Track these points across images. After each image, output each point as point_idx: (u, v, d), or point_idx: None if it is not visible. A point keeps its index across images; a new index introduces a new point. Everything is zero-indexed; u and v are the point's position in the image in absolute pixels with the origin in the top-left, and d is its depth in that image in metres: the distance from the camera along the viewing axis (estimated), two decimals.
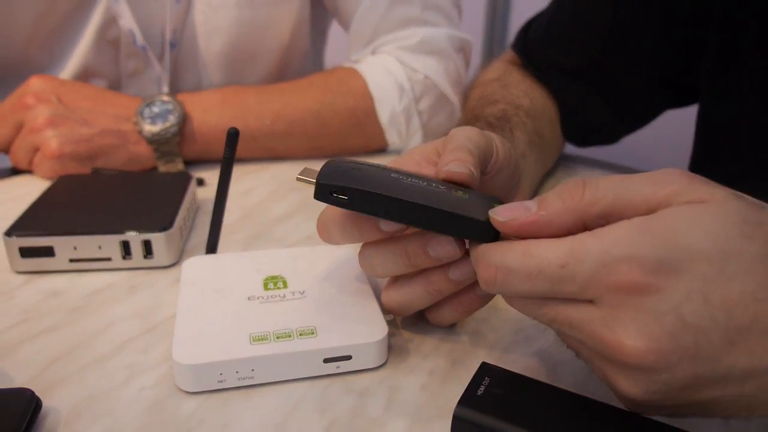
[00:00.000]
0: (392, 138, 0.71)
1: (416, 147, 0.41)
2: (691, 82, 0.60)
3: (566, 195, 0.30)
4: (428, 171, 0.37)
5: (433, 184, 0.34)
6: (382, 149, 0.73)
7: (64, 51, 0.69)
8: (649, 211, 0.28)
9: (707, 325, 0.26)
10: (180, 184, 0.55)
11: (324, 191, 0.33)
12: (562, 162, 0.71)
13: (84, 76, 0.70)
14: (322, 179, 0.33)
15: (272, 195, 0.62)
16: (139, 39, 0.69)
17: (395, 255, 0.36)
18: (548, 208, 0.30)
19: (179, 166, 0.65)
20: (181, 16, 0.70)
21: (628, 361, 0.27)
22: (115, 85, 0.73)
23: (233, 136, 0.43)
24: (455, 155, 0.36)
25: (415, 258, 0.35)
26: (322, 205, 0.35)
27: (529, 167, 0.55)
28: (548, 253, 0.28)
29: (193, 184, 0.56)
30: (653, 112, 0.66)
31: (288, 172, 0.67)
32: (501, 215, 0.31)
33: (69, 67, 0.70)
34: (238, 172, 0.67)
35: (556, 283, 0.28)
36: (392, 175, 0.34)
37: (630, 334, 0.27)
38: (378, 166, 0.35)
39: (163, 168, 0.64)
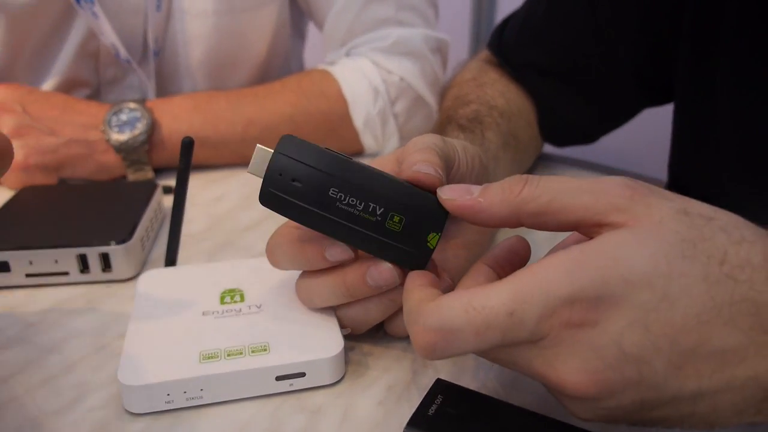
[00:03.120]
0: (368, 142, 0.70)
1: (376, 159, 0.40)
2: (666, 80, 0.58)
3: (506, 187, 0.30)
4: None
5: (371, 207, 0.33)
6: (358, 153, 0.72)
7: (46, 66, 0.69)
8: (584, 221, 0.28)
9: (649, 354, 0.26)
10: (144, 193, 0.54)
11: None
12: (541, 161, 0.70)
13: (65, 87, 0.70)
14: (263, 199, 0.34)
15: (243, 202, 0.61)
16: (123, 53, 0.68)
17: (334, 285, 0.35)
18: (487, 197, 0.30)
19: (149, 174, 0.64)
20: (161, 24, 0.69)
21: (571, 394, 0.27)
22: (95, 93, 0.72)
23: (188, 146, 0.41)
24: (422, 155, 0.35)
25: (354, 288, 0.34)
26: None
27: (501, 170, 0.54)
28: (491, 302, 0.27)
29: (158, 193, 0.55)
30: (630, 111, 0.64)
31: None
32: (445, 193, 0.32)
33: (50, 81, 0.69)
34: (208, 178, 0.66)
35: (507, 333, 0.27)
36: (331, 192, 0.33)
37: (570, 369, 0.27)
38: (324, 170, 0.33)
39: (132, 177, 0.63)
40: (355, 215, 0.33)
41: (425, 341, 0.27)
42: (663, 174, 0.68)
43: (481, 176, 0.42)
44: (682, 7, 0.54)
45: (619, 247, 0.27)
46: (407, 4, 0.70)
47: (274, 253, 0.36)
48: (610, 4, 0.58)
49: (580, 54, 0.61)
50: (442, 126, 0.58)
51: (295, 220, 0.34)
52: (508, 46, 0.68)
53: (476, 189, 0.31)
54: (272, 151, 0.34)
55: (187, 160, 0.42)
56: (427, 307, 0.28)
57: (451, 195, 0.32)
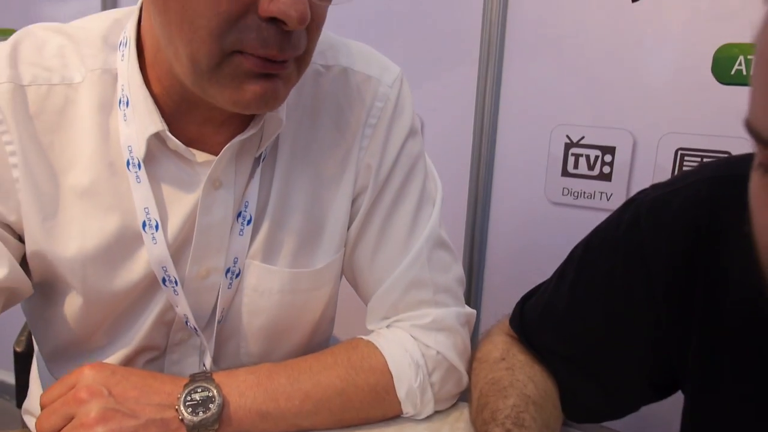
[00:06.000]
0: (407, 409, 0.78)
1: None
2: (673, 383, 0.69)
3: None
4: None
5: None
6: (396, 416, 0.79)
7: (123, 333, 0.77)
8: None
9: None
10: None
11: None
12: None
13: (137, 352, 0.77)
14: None
15: None
16: (192, 322, 0.76)
17: None
18: None
19: None
20: (229, 298, 0.78)
21: None
22: (161, 353, 0.79)
23: None
24: None
25: None
26: None
27: None
28: None
29: None
30: (639, 403, 0.74)
31: None
32: None
33: (125, 347, 0.76)
34: None
35: None
36: None
37: None
38: None
39: None
40: None
41: None
42: None
43: None
44: (689, 328, 0.65)
45: None
46: (443, 287, 0.81)
47: None
48: (622, 316, 0.69)
49: (596, 351, 0.72)
50: (481, 410, 0.67)
51: None
52: (530, 329, 0.78)
53: None
54: None
55: None
56: None
57: None
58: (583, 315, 0.72)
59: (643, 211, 0.66)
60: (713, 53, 1.23)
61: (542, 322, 0.77)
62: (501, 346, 0.79)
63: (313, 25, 0.63)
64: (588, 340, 0.72)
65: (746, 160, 0.48)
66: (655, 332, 0.67)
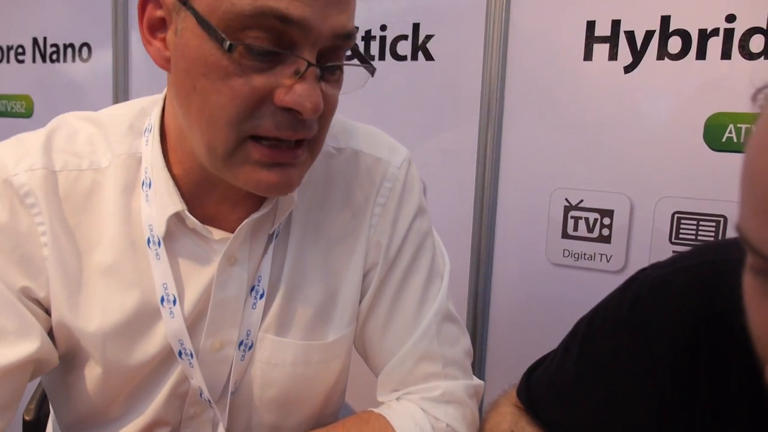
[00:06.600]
0: None
1: None
2: None
3: None
4: None
5: None
6: None
7: (139, 404, 0.79)
8: None
9: None
10: None
11: None
12: None
13: (152, 425, 0.79)
14: None
15: None
16: (206, 393, 0.78)
17: None
18: None
19: None
20: (242, 370, 0.80)
21: None
22: (176, 427, 0.81)
23: None
24: None
25: None
26: None
27: None
28: None
29: None
30: None
31: None
32: None
33: (141, 419, 0.78)
34: None
35: None
36: None
37: None
38: None
39: None
40: None
41: None
42: None
43: None
44: (694, 403, 0.67)
45: None
46: (451, 360, 0.84)
47: None
48: (626, 395, 0.71)
49: (602, 426, 0.74)
50: None
51: None
52: (537, 402, 0.80)
53: None
54: None
55: None
56: None
57: None
58: (588, 391, 0.74)
59: (645, 290, 0.69)
60: (704, 121, 1.28)
61: (548, 395, 0.79)
62: (509, 418, 0.81)
63: (326, 112, 0.68)
64: (594, 415, 0.74)
65: (740, 244, 0.51)
66: (660, 408, 0.69)
